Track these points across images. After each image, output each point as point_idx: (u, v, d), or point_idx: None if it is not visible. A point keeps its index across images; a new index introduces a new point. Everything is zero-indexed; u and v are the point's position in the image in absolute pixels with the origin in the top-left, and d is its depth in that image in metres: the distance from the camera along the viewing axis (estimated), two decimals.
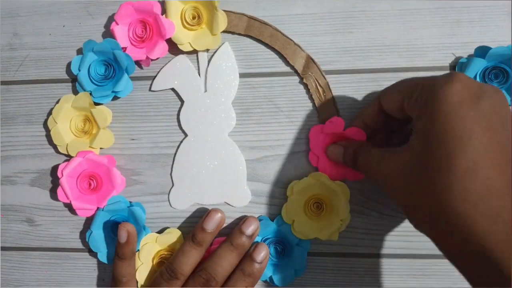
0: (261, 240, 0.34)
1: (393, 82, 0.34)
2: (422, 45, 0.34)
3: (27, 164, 0.38)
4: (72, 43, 0.38)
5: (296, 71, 0.35)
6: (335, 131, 0.33)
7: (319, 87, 0.35)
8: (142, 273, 0.35)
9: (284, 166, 0.36)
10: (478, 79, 0.33)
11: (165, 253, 0.35)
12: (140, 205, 0.36)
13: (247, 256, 0.33)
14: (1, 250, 0.38)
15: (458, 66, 0.34)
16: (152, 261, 0.35)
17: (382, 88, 0.31)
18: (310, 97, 0.35)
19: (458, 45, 0.34)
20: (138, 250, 0.35)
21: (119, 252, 0.34)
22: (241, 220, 0.34)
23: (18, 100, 0.38)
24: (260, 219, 0.35)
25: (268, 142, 0.36)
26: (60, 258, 0.38)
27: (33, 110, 0.38)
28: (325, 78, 0.35)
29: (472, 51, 0.34)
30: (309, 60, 0.35)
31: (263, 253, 0.33)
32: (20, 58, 0.38)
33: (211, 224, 0.33)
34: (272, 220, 0.35)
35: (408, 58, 0.35)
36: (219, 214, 0.34)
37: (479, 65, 0.32)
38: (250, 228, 0.33)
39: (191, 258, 0.33)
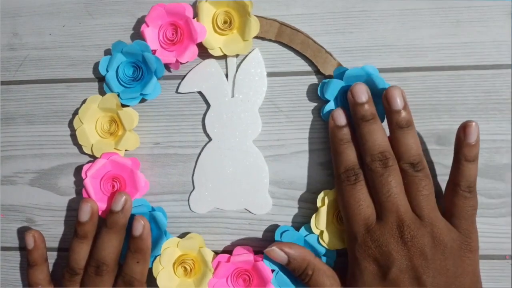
0: None
1: (393, 82, 0.34)
2: (422, 45, 0.34)
3: (27, 164, 0.38)
4: (72, 43, 0.38)
5: (326, 77, 0.35)
6: None
7: None
8: (163, 278, 0.34)
9: (284, 167, 0.36)
10: (338, 101, 0.33)
11: (187, 258, 0.34)
12: (162, 210, 0.36)
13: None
14: (1, 250, 0.38)
15: (319, 87, 0.34)
16: (173, 266, 0.34)
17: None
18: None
19: (458, 45, 0.34)
20: (160, 255, 0.34)
21: (28, 259, 0.35)
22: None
23: (18, 100, 0.38)
24: (285, 229, 0.34)
25: (268, 142, 0.36)
26: (60, 258, 0.38)
27: (33, 110, 0.38)
28: None
29: (472, 51, 0.34)
30: None
31: (139, 227, 0.33)
32: (20, 58, 0.38)
33: (84, 215, 0.33)
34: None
35: (408, 58, 0.35)
36: (89, 204, 0.34)
37: (337, 85, 0.33)
38: (117, 205, 0.33)
39: (82, 253, 0.34)
